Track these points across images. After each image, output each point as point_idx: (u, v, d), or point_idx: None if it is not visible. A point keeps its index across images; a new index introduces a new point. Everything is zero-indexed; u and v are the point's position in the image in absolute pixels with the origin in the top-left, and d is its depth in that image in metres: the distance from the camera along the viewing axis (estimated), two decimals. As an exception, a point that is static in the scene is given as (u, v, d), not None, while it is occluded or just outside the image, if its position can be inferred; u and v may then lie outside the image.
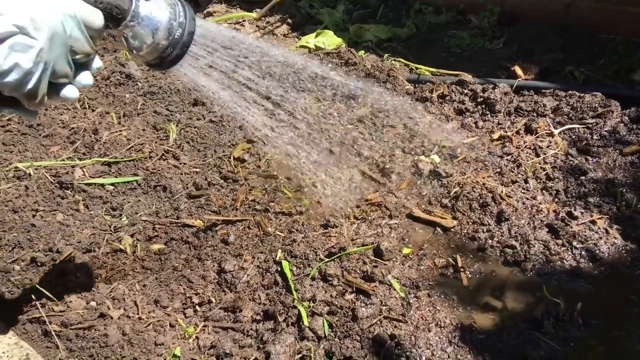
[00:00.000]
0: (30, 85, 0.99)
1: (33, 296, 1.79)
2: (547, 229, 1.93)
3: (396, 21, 3.65)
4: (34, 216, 2.14)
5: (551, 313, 1.62)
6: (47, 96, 1.07)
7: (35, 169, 2.36)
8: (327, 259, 1.82)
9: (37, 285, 1.82)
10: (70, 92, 1.13)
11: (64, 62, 1.05)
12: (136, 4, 1.13)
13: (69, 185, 2.26)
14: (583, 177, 2.11)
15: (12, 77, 0.95)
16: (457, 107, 2.63)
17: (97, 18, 1.07)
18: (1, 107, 1.09)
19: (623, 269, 1.77)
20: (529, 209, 2.01)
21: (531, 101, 2.54)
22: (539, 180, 2.14)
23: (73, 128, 2.63)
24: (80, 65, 1.13)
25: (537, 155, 2.25)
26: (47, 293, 1.80)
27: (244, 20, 3.95)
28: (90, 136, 2.58)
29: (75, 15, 1.02)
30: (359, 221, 2.03)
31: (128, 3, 1.13)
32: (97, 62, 1.19)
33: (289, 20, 3.88)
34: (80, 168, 2.37)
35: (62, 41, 1.01)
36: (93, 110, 2.78)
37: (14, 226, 2.07)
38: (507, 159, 2.25)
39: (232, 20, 3.95)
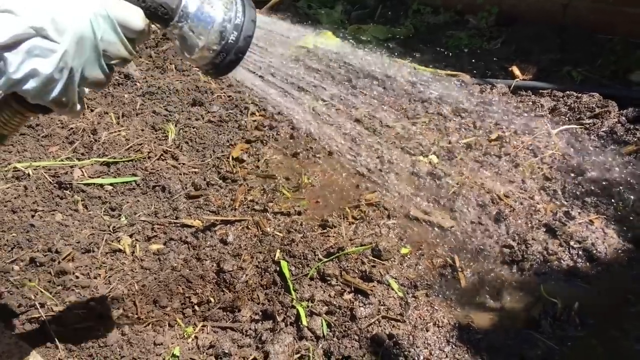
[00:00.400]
0: (54, 94, 0.89)
1: (32, 296, 1.80)
2: (544, 229, 1.93)
3: (394, 21, 3.66)
4: (32, 216, 2.14)
5: (549, 313, 1.63)
6: (79, 103, 0.97)
7: (34, 169, 2.36)
8: (325, 259, 1.83)
9: (36, 286, 1.82)
10: None
11: (96, 68, 0.93)
12: (185, 3, 1.01)
13: (68, 186, 2.27)
14: (580, 177, 2.12)
15: (31, 84, 0.85)
16: (455, 107, 2.64)
17: (136, 18, 0.94)
18: (33, 112, 1.00)
19: (620, 268, 1.78)
20: (527, 209, 2.02)
21: (529, 101, 2.55)
22: (536, 181, 2.15)
23: (72, 128, 2.63)
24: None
25: (535, 156, 2.26)
26: (46, 293, 1.80)
27: (242, 21, 3.96)
28: (89, 136, 2.58)
29: (107, 15, 0.89)
30: (357, 221, 2.04)
31: (177, 1, 1.01)
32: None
33: (288, 21, 3.88)
34: (79, 168, 2.37)
35: (91, 44, 0.89)
36: (92, 111, 2.79)
37: (13, 226, 2.08)
38: (505, 159, 2.26)
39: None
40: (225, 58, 1.07)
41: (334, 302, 1.69)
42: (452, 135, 2.46)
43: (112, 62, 0.96)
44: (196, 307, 1.79)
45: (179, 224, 2.08)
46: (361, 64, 2.82)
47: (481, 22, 3.41)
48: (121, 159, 2.42)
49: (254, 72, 1.23)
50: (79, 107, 0.97)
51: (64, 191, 2.26)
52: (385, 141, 2.45)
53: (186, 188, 2.26)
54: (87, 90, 0.99)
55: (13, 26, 0.80)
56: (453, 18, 3.59)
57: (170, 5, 0.99)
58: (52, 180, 2.30)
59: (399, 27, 3.56)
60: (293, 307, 1.69)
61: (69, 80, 0.89)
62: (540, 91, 2.62)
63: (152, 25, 1.02)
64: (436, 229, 2.01)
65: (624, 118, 2.34)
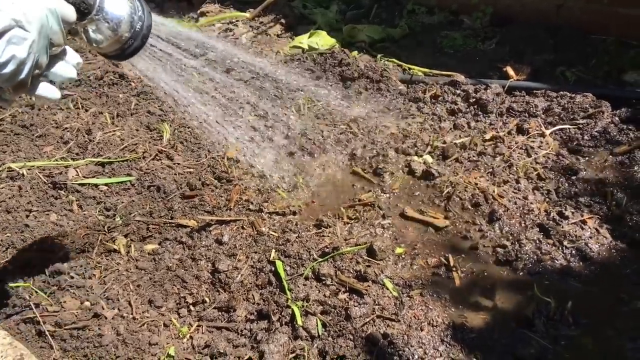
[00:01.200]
0: (23, 75, 1.09)
1: (27, 296, 1.80)
2: (538, 229, 1.94)
3: (389, 21, 3.67)
4: (27, 216, 2.13)
5: (542, 312, 1.64)
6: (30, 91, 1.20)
7: (29, 169, 2.36)
8: (320, 259, 1.84)
9: (30, 286, 1.82)
10: (50, 92, 1.24)
11: (44, 54, 1.15)
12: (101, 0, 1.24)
13: (63, 186, 2.26)
14: (574, 177, 2.13)
15: (9, 68, 1.05)
16: (450, 107, 2.65)
17: (71, 12, 1.17)
18: None
19: (613, 268, 1.79)
20: (521, 208, 2.03)
21: (523, 102, 2.56)
22: (530, 180, 2.16)
23: (66, 128, 2.63)
24: (54, 58, 1.23)
25: (529, 156, 2.27)
26: (41, 293, 1.80)
27: (237, 20, 3.96)
28: (84, 136, 2.58)
29: (55, 10, 1.12)
30: (352, 221, 2.04)
31: None
32: (75, 57, 1.29)
33: (282, 21, 3.89)
34: (74, 168, 2.37)
35: (45, 33, 1.11)
36: (86, 111, 2.78)
37: (7, 226, 2.07)
38: (499, 159, 2.27)
39: (225, 20, 3.95)
40: (133, 43, 1.32)
41: (329, 302, 1.70)
42: (447, 135, 2.47)
43: (53, 49, 1.18)
44: (191, 307, 1.79)
45: (174, 224, 2.09)
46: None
47: (475, 22, 3.42)
48: (116, 159, 2.42)
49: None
50: (33, 91, 1.20)
51: (59, 191, 2.25)
52: (380, 141, 2.45)
53: (181, 188, 2.26)
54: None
55: (1, 20, 1.01)
56: (447, 18, 3.60)
57: (89, 2, 1.22)
58: (47, 180, 2.30)
59: (394, 27, 3.57)
60: (288, 306, 1.70)
61: (32, 64, 1.10)
62: (534, 91, 2.63)
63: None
64: (430, 228, 2.02)
65: (617, 118, 2.36)
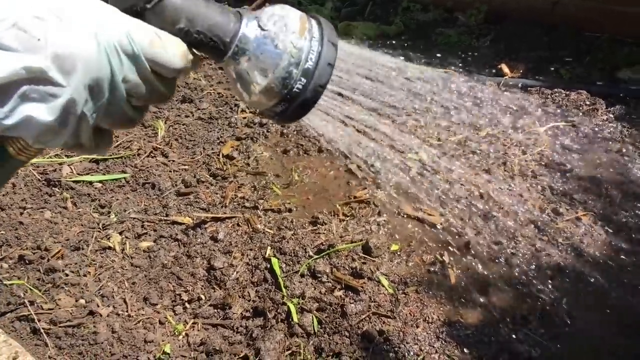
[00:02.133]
0: (61, 141, 0.66)
1: (21, 294, 1.79)
2: (533, 226, 1.95)
3: (384, 19, 3.67)
4: (21, 214, 2.12)
5: (537, 308, 1.65)
6: (105, 141, 0.74)
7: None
8: (316, 256, 1.84)
9: (25, 283, 1.82)
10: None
11: (119, 111, 0.70)
12: (243, 35, 0.76)
13: (57, 183, 2.25)
14: (568, 174, 2.14)
15: (27, 132, 0.62)
16: (445, 104, 2.65)
17: (174, 54, 0.70)
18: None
19: (607, 264, 1.80)
20: (515, 205, 2.04)
21: (518, 99, 2.56)
22: (525, 178, 2.17)
23: (60, 125, 2.61)
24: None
25: (524, 153, 2.27)
26: (36, 291, 1.79)
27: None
28: (78, 133, 2.56)
29: (132, 51, 0.65)
30: (347, 218, 2.05)
31: (232, 30, 0.75)
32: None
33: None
34: (68, 165, 2.36)
35: (110, 87, 0.66)
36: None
37: (1, 224, 2.06)
38: (493, 157, 2.27)
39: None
40: (288, 108, 0.82)
41: (325, 299, 1.70)
42: (442, 132, 2.47)
43: (142, 102, 0.73)
44: (187, 305, 1.79)
45: (169, 221, 2.08)
46: None
47: (470, 19, 3.43)
48: (110, 156, 2.41)
49: None
50: (104, 145, 0.74)
51: (53, 188, 2.24)
52: (374, 138, 2.45)
53: (176, 185, 2.26)
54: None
55: (3, 66, 0.57)
56: (442, 15, 3.60)
57: (223, 38, 0.75)
58: (41, 178, 2.28)
59: (388, 24, 3.57)
60: (284, 304, 1.70)
61: (80, 127, 0.67)
62: (529, 88, 2.64)
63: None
64: (426, 225, 2.02)
65: (611, 115, 2.37)
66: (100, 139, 0.71)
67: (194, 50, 0.74)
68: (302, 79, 0.79)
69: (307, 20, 0.80)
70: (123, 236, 2.03)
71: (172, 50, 0.70)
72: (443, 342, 1.58)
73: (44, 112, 0.61)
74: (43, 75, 0.60)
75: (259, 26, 0.78)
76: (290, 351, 1.59)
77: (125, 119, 0.71)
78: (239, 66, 0.78)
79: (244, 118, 2.68)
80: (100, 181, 2.28)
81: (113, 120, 0.71)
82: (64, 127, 0.65)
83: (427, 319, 1.65)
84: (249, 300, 1.77)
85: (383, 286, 1.75)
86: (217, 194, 2.20)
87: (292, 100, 0.80)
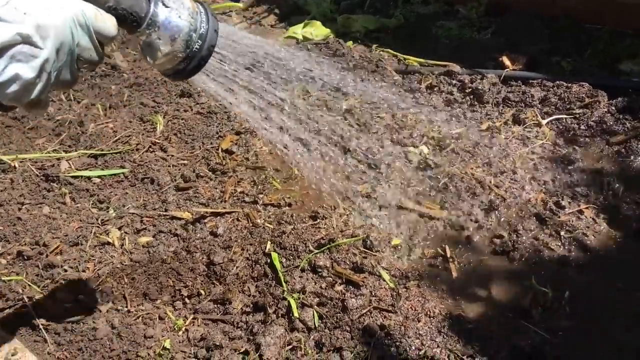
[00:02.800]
0: (32, 96, 0.91)
1: (20, 290, 1.78)
2: (535, 219, 1.94)
3: (384, 12, 3.64)
4: (19, 209, 2.11)
5: (539, 302, 1.64)
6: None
7: (21, 162, 2.33)
8: (316, 251, 1.82)
9: (24, 279, 1.81)
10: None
11: (68, 72, 0.98)
12: (154, 11, 1.05)
13: (55, 178, 2.24)
14: (570, 167, 2.12)
15: (12, 88, 0.87)
16: (446, 97, 2.63)
17: (110, 26, 0.99)
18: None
19: (610, 257, 1.79)
20: (517, 199, 2.02)
21: (519, 92, 2.54)
22: (527, 171, 2.15)
23: (58, 120, 2.60)
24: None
25: (525, 146, 2.26)
26: (34, 287, 1.78)
27: (230, 11, 3.92)
28: (76, 128, 2.55)
29: (85, 23, 0.94)
30: (348, 212, 2.03)
31: (145, 8, 1.04)
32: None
33: (276, 11, 3.86)
34: (66, 160, 2.35)
35: (69, 50, 0.94)
36: (78, 102, 2.75)
37: (-1, 220, 2.06)
38: (495, 150, 2.26)
39: (219, 11, 3.92)
40: (189, 65, 1.13)
41: (325, 294, 1.69)
42: (443, 125, 2.45)
43: (83, 65, 1.01)
44: (187, 300, 1.78)
45: (168, 217, 2.07)
46: None
47: (471, 12, 3.40)
48: (109, 151, 2.40)
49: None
50: (49, 107, 1.04)
51: (51, 184, 2.23)
52: (375, 132, 2.44)
53: (175, 180, 2.24)
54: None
55: (3, 33, 0.83)
56: (443, 8, 3.57)
57: (139, 13, 1.03)
58: (39, 173, 2.27)
59: (388, 17, 3.54)
60: (284, 298, 1.69)
61: (47, 84, 0.92)
62: (530, 81, 2.62)
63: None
64: (427, 219, 2.01)
65: (613, 108, 2.35)
66: (46, 100, 1.00)
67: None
68: (199, 41, 1.11)
69: (195, 3, 1.13)
70: (122, 231, 2.02)
71: (108, 23, 0.98)
72: (445, 336, 1.57)
73: (27, 70, 0.87)
74: (28, 40, 0.85)
75: (164, 4, 1.07)
76: (290, 346, 1.59)
77: (70, 78, 0.99)
78: (151, 36, 1.06)
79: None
80: (98, 176, 2.27)
81: (61, 81, 0.97)
82: (39, 83, 0.90)
83: (428, 313, 1.64)
84: (249, 296, 1.76)
85: (384, 280, 1.73)
86: (216, 188, 2.19)
87: (193, 58, 1.12)
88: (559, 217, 1.91)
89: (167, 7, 1.07)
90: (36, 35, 0.86)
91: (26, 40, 0.86)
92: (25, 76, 0.87)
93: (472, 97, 2.60)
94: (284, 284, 1.73)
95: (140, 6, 1.04)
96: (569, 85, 2.50)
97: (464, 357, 1.50)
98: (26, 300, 1.75)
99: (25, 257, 1.91)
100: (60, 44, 0.91)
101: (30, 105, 0.95)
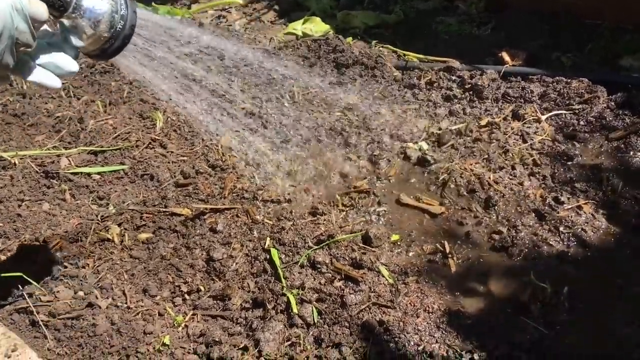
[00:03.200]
0: None
1: (20, 286, 1.78)
2: (534, 215, 1.94)
3: (384, 8, 3.63)
4: (19, 206, 2.12)
5: (538, 297, 1.64)
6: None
7: (21, 159, 2.33)
8: (315, 247, 1.83)
9: (24, 275, 1.81)
10: (47, 78, 1.20)
11: (9, 55, 1.07)
12: None
13: (55, 175, 2.24)
14: (570, 163, 2.12)
15: None
16: (445, 93, 2.63)
17: (42, 10, 1.08)
18: None
19: (609, 253, 1.79)
20: (517, 194, 2.03)
21: (518, 87, 2.54)
22: (526, 166, 2.15)
23: (58, 117, 2.60)
24: (51, 48, 1.19)
25: (525, 142, 2.26)
26: (34, 283, 1.78)
27: (230, 7, 3.92)
28: (76, 125, 2.55)
29: (22, 9, 1.03)
30: (347, 208, 2.03)
31: None
32: (73, 50, 1.22)
33: (276, 7, 3.85)
34: (66, 157, 2.35)
35: (9, 34, 1.02)
36: (78, 99, 2.75)
37: (-1, 216, 2.06)
38: (494, 145, 2.26)
39: (218, 7, 3.91)
40: (114, 44, 1.23)
41: (325, 290, 1.69)
42: (442, 121, 2.45)
43: (20, 48, 1.10)
44: (186, 296, 1.79)
45: (168, 213, 2.07)
46: None
47: (471, 8, 3.40)
48: (109, 147, 2.40)
49: None
50: None
51: (51, 180, 2.23)
52: (375, 128, 2.44)
53: (175, 176, 2.24)
54: None
55: None
56: (442, 4, 3.56)
57: None
58: (39, 170, 2.27)
59: (388, 13, 3.54)
60: (283, 294, 1.69)
61: None
62: (530, 77, 2.61)
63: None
64: (426, 215, 2.01)
65: (613, 103, 2.35)
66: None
67: None
68: (121, 22, 1.21)
69: None
70: (122, 228, 2.03)
71: (40, 8, 1.07)
72: (443, 331, 1.58)
73: None
74: None
75: None
76: (290, 342, 1.59)
77: (11, 61, 1.09)
78: (77, 19, 1.16)
79: (243, 109, 2.66)
80: (98, 173, 2.27)
81: (4, 62, 1.06)
82: None
83: (427, 308, 1.64)
84: (248, 292, 1.76)
85: (383, 276, 1.74)
86: (216, 185, 2.19)
87: (116, 38, 1.22)
88: (558, 212, 1.91)
89: None
90: None
91: None
92: None
93: (471, 92, 2.59)
94: (283, 280, 1.73)
95: None
96: (569, 80, 2.49)
97: (463, 353, 1.51)
98: (26, 296, 1.75)
99: (25, 254, 1.91)
100: (2, 28, 1.00)
101: None
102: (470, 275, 1.77)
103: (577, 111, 2.35)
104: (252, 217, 2.00)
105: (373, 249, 1.83)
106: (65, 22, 1.18)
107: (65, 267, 1.87)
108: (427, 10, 3.54)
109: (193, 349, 1.62)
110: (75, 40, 1.21)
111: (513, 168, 2.14)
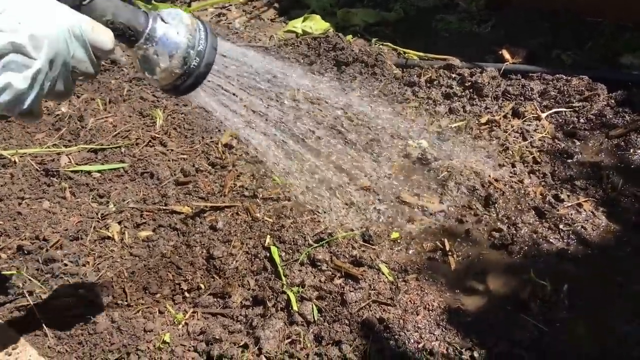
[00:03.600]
0: (24, 107, 0.90)
1: (20, 284, 1.78)
2: (534, 212, 1.94)
3: (384, 5, 3.63)
4: (19, 204, 2.12)
5: (538, 295, 1.64)
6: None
7: (21, 157, 2.33)
8: (315, 244, 1.83)
9: (24, 273, 1.81)
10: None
11: (63, 83, 0.97)
12: (152, 26, 1.05)
13: (55, 173, 2.24)
14: (570, 161, 2.12)
15: (3, 97, 0.86)
16: (445, 91, 2.63)
17: (107, 39, 0.98)
18: None
19: (609, 250, 1.79)
20: (516, 192, 2.03)
21: (519, 85, 2.54)
22: (526, 164, 2.15)
23: (58, 115, 2.60)
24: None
25: (525, 139, 2.26)
26: (35, 281, 1.79)
27: (229, 5, 3.91)
28: (76, 123, 2.55)
29: (81, 35, 0.93)
30: (347, 206, 2.03)
31: (144, 24, 1.04)
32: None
33: (276, 5, 3.85)
34: (66, 155, 2.35)
35: (63, 61, 0.93)
36: (78, 97, 2.75)
37: (-1, 214, 2.06)
38: (494, 143, 2.26)
39: (218, 5, 3.91)
40: (186, 81, 1.12)
41: (325, 287, 1.69)
42: (442, 119, 2.45)
43: (78, 77, 1.00)
44: (186, 294, 1.79)
45: (168, 211, 2.07)
46: None
47: (471, 5, 3.39)
48: (109, 145, 2.40)
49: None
50: (42, 116, 1.01)
51: (51, 178, 2.24)
52: (375, 125, 2.44)
53: (175, 174, 2.24)
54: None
55: None
56: (443, 1, 3.56)
57: (137, 28, 1.03)
58: (39, 168, 2.28)
59: (388, 11, 3.54)
60: (284, 292, 1.69)
61: (39, 94, 0.91)
62: (530, 74, 2.61)
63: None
64: (426, 213, 2.01)
65: (613, 101, 2.34)
66: (39, 110, 0.97)
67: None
68: (197, 58, 1.10)
69: (194, 17, 1.12)
70: (122, 226, 2.03)
71: (104, 36, 0.98)
72: (443, 329, 1.58)
73: (19, 80, 0.86)
74: (21, 49, 0.85)
75: (162, 20, 1.07)
76: (290, 340, 1.59)
77: (64, 90, 0.97)
78: (148, 51, 1.05)
79: (243, 107, 2.66)
80: (98, 171, 2.27)
81: (56, 92, 0.96)
82: (31, 93, 0.89)
83: (427, 306, 1.64)
84: (248, 289, 1.76)
85: (383, 274, 1.74)
86: (216, 183, 2.19)
87: (190, 75, 1.11)
88: (558, 210, 1.91)
89: (165, 23, 1.07)
90: (29, 45, 0.86)
91: (19, 49, 0.85)
92: (17, 86, 0.86)
93: (471, 90, 2.59)
94: (283, 277, 1.73)
95: (138, 21, 1.04)
96: (569, 78, 2.49)
97: (463, 350, 1.51)
98: (26, 294, 1.75)
99: (26, 252, 1.91)
100: (54, 55, 0.90)
101: (22, 114, 0.94)
102: (470, 273, 1.77)
103: (577, 109, 2.35)
104: (252, 214, 2.00)
105: (373, 247, 1.83)
106: (137, 52, 1.08)
107: (66, 265, 1.87)
108: (427, 7, 3.54)
109: (193, 346, 1.62)
110: (144, 72, 1.11)
111: (513, 166, 2.14)
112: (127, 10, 1.02)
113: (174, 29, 1.07)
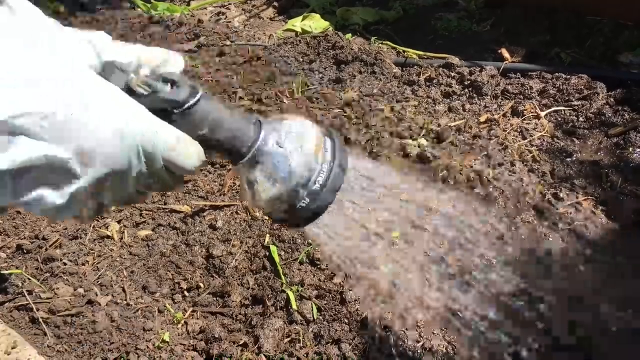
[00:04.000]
0: (65, 216, 0.67)
1: (20, 283, 1.78)
2: (533, 211, 1.94)
3: (383, 4, 3.63)
4: (19, 203, 2.11)
5: (538, 293, 1.64)
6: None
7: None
8: (315, 243, 1.83)
9: (23, 273, 1.81)
10: None
11: (123, 197, 0.72)
12: (261, 149, 0.79)
13: (54, 172, 2.24)
14: (569, 159, 2.12)
15: (35, 209, 0.64)
16: (444, 90, 2.63)
17: (190, 160, 0.71)
18: None
19: (608, 249, 1.79)
20: (516, 191, 2.02)
21: (518, 84, 2.54)
22: (525, 163, 2.15)
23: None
24: None
25: (524, 138, 2.26)
26: (34, 280, 1.79)
27: (229, 4, 3.91)
28: (75, 122, 2.55)
29: (153, 152, 0.66)
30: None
31: (250, 141, 0.79)
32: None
33: (275, 3, 3.85)
34: (65, 154, 2.34)
35: (121, 180, 0.67)
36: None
37: (-2, 213, 2.06)
38: (494, 142, 2.26)
39: (217, 4, 3.91)
40: (288, 219, 0.87)
41: (324, 286, 1.69)
42: (441, 118, 2.45)
43: (142, 190, 0.74)
44: (186, 293, 1.79)
45: (167, 210, 2.07)
46: None
47: (470, 4, 3.40)
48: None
49: None
50: (100, 214, 0.80)
51: (50, 178, 2.23)
52: (374, 124, 2.43)
53: (174, 173, 2.24)
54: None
55: (26, 151, 0.57)
56: (442, 0, 3.56)
57: (240, 149, 0.79)
58: (38, 167, 2.27)
59: (387, 9, 3.54)
60: (283, 291, 1.69)
61: (79, 209, 0.68)
62: (529, 73, 2.61)
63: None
64: (426, 211, 2.00)
65: (612, 99, 2.34)
66: (99, 211, 0.72)
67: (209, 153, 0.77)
68: (306, 199, 0.82)
69: (323, 141, 0.83)
70: (121, 225, 2.03)
71: (188, 154, 0.70)
72: (443, 328, 1.58)
73: (54, 196, 0.63)
74: (64, 165, 0.60)
75: (277, 142, 0.81)
76: (289, 338, 1.59)
77: (127, 201, 0.73)
78: (252, 174, 0.81)
79: (242, 106, 2.66)
80: (97, 170, 2.27)
81: (116, 201, 0.72)
82: (68, 210, 0.65)
83: (427, 305, 1.64)
84: (248, 288, 1.76)
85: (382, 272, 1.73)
86: (215, 182, 2.19)
87: (293, 215, 0.84)
88: (558, 208, 1.91)
89: (280, 146, 0.81)
90: (75, 161, 0.61)
91: (59, 164, 0.61)
92: (51, 202, 0.63)
93: (470, 89, 2.59)
94: (282, 276, 1.73)
95: (243, 139, 0.79)
96: (568, 77, 2.49)
97: (462, 349, 1.51)
98: (26, 293, 1.75)
99: (25, 251, 1.91)
100: (107, 174, 0.65)
101: (75, 218, 0.71)
102: (469, 271, 1.77)
103: (576, 107, 2.35)
104: (252, 213, 2.00)
105: (372, 246, 1.83)
106: (241, 169, 0.82)
107: (65, 264, 1.87)
108: (427, 6, 3.55)
109: (193, 345, 1.62)
110: (246, 190, 0.85)
111: (512, 164, 2.14)
112: (233, 122, 0.78)
113: (285, 156, 0.80)
